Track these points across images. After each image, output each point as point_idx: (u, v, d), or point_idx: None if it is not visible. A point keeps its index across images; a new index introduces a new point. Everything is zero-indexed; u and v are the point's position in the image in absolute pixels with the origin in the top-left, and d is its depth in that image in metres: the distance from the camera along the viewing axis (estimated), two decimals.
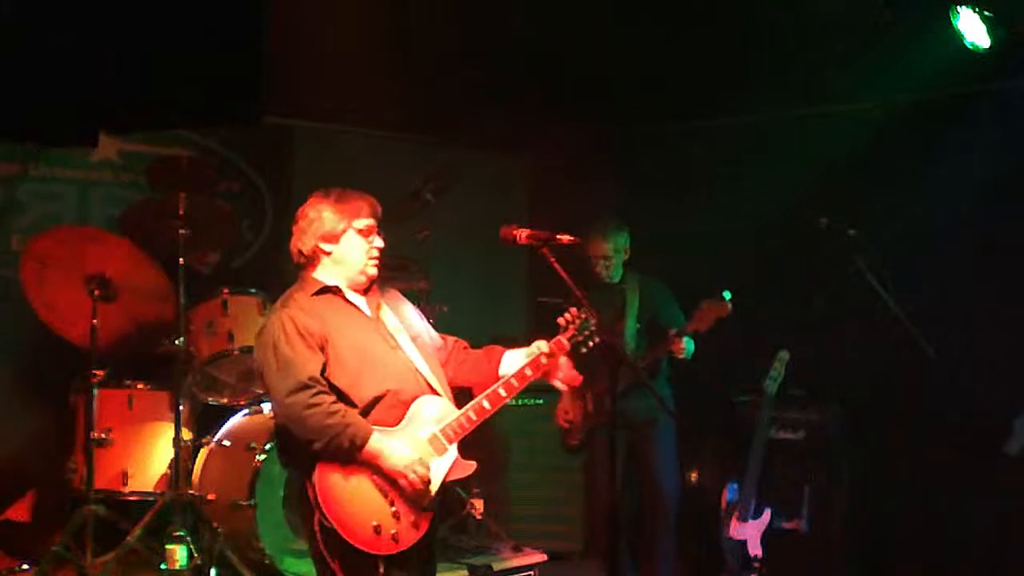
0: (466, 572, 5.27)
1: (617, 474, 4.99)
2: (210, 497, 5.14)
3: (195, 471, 5.29)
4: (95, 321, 5.07)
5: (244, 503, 4.98)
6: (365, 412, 3.48)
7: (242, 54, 3.33)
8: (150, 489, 5.29)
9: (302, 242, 3.65)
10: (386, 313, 3.72)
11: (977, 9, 5.06)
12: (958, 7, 5.07)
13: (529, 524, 6.03)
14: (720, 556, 5.46)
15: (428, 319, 4.15)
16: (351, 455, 3.40)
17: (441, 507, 3.63)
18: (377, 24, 5.87)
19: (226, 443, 5.30)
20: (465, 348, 3.89)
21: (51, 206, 6.12)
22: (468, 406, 3.62)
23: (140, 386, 5.38)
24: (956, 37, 5.12)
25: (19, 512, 5.67)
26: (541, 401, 5.88)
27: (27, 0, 3.09)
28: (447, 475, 3.55)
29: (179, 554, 4.92)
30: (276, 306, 3.62)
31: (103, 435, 5.18)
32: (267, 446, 5.07)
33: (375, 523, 3.39)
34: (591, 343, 3.68)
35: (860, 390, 5.65)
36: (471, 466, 3.61)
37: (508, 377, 3.65)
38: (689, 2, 5.94)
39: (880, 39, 5.49)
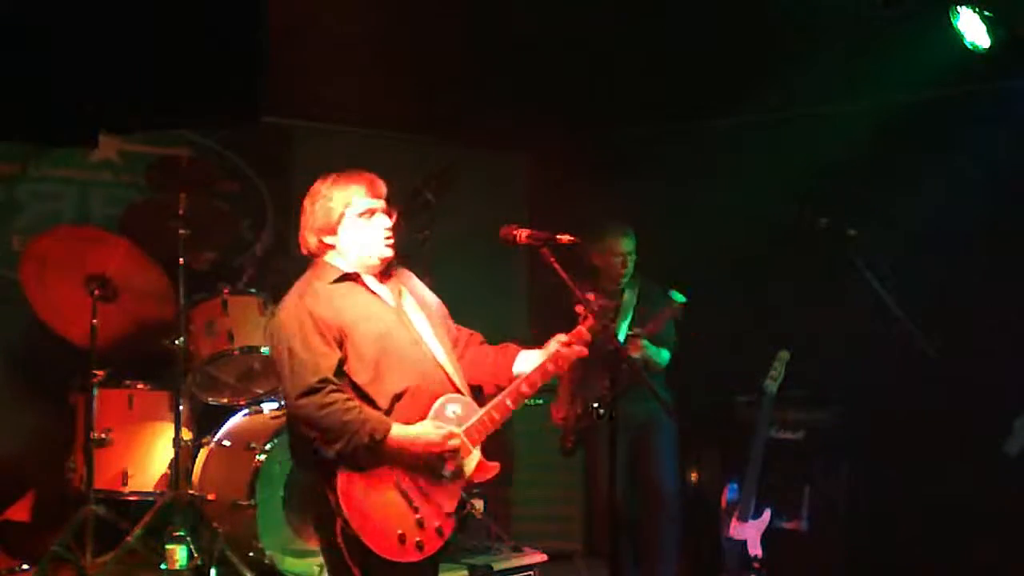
0: (466, 572, 5.27)
1: (616, 475, 4.98)
2: (210, 497, 5.14)
3: (195, 471, 5.28)
4: (95, 321, 5.07)
5: (244, 503, 4.98)
6: (388, 410, 3.36)
7: (242, 54, 3.33)
8: (150, 489, 5.29)
9: (305, 238, 3.52)
10: (407, 301, 3.57)
11: (977, 9, 5.06)
12: (958, 7, 5.06)
13: (529, 524, 6.03)
14: (720, 556, 5.46)
15: None
16: (374, 451, 3.27)
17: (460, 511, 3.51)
18: (377, 24, 5.87)
19: (226, 443, 5.30)
20: (482, 343, 3.75)
21: (51, 206, 6.12)
22: (490, 405, 3.50)
23: (140, 386, 5.38)
24: (956, 37, 5.12)
25: (19, 512, 5.67)
26: (541, 401, 5.87)
27: (27, 0, 3.09)
28: (471, 477, 3.47)
29: (179, 554, 4.92)
30: (292, 294, 3.44)
31: (103, 435, 5.18)
32: (267, 446, 5.07)
33: (400, 531, 3.28)
34: (609, 332, 3.59)
35: (860, 390, 5.65)
36: (494, 467, 3.51)
37: (529, 373, 3.51)
38: (689, 2, 5.94)
39: (880, 39, 5.49)
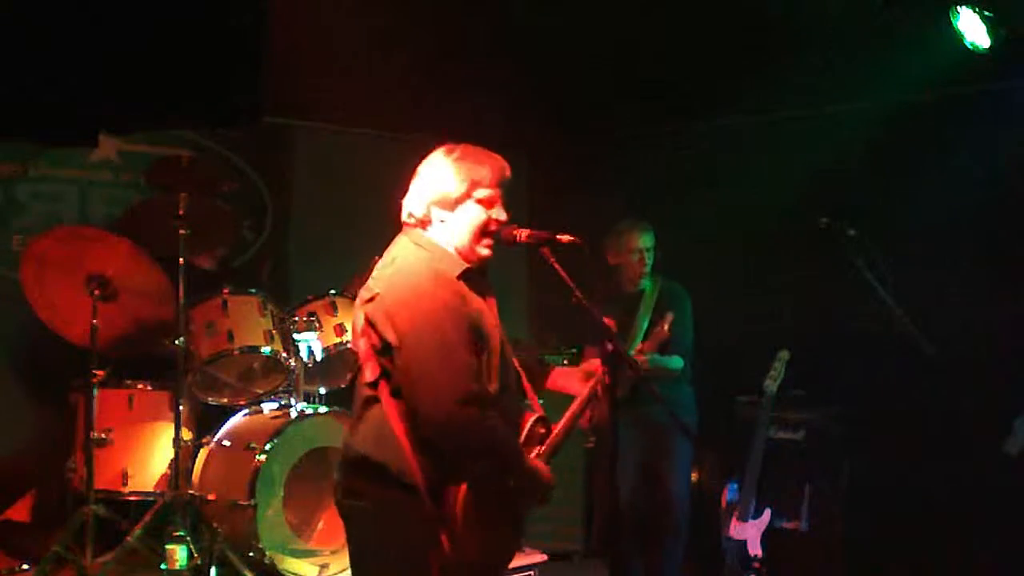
0: None
1: (625, 473, 4.95)
2: (210, 497, 5.14)
3: (195, 471, 5.29)
4: (95, 321, 5.07)
5: (244, 503, 4.98)
6: None
7: (242, 54, 3.33)
8: (150, 489, 5.29)
9: (413, 202, 3.15)
10: (493, 305, 3.25)
11: (977, 9, 5.06)
12: (958, 7, 5.06)
13: (529, 524, 5.99)
14: (720, 556, 5.46)
15: None
16: (499, 478, 3.03)
17: None
18: (377, 24, 5.88)
19: (226, 443, 5.30)
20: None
21: (51, 206, 6.12)
22: (557, 431, 3.28)
23: (140, 386, 5.38)
24: (956, 37, 5.12)
25: (19, 512, 5.67)
26: (542, 401, 5.86)
27: (28, 0, 3.09)
28: None
29: (179, 554, 4.92)
30: (424, 278, 3.02)
31: (103, 435, 5.18)
32: (267, 446, 5.07)
33: (490, 561, 3.11)
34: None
35: (860, 390, 5.65)
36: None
37: (577, 403, 3.35)
38: (689, 2, 5.94)
39: (880, 39, 5.49)
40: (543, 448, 3.23)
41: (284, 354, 5.43)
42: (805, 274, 5.91)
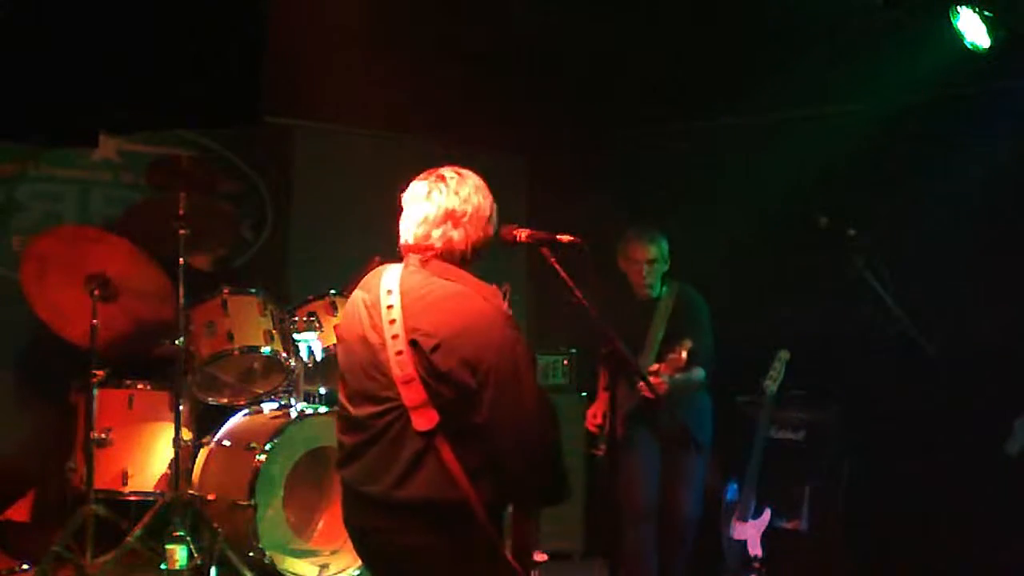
0: None
1: (637, 486, 4.94)
2: (210, 497, 5.14)
3: (195, 471, 5.29)
4: (95, 321, 5.07)
5: (244, 503, 4.98)
6: None
7: (242, 54, 3.33)
8: (150, 489, 5.30)
9: (478, 236, 3.12)
10: None
11: (977, 9, 5.06)
12: (958, 7, 5.06)
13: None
14: (720, 556, 5.46)
15: None
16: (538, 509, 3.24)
17: None
18: (377, 24, 5.87)
19: (226, 443, 5.31)
20: None
21: (51, 206, 6.12)
22: None
23: (140, 386, 5.38)
24: (956, 37, 5.12)
25: (19, 512, 5.67)
26: None
27: (27, 0, 3.09)
28: None
29: (179, 554, 4.92)
30: (486, 312, 2.99)
31: (103, 435, 5.19)
32: (267, 446, 5.07)
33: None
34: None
35: (860, 390, 5.64)
36: None
37: None
38: (689, 2, 5.94)
39: (880, 39, 5.49)
40: None
41: (284, 354, 5.43)
42: (805, 274, 5.90)
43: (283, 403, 5.50)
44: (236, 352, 5.37)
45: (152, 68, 3.25)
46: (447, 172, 3.18)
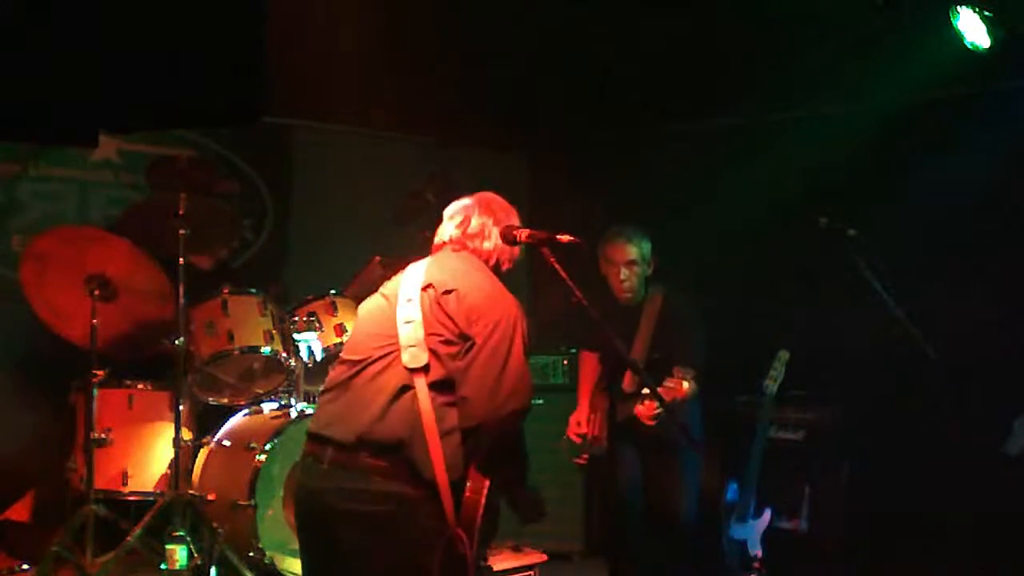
0: None
1: (626, 486, 4.91)
2: (210, 497, 5.14)
3: (195, 471, 5.29)
4: (95, 321, 5.07)
5: (244, 503, 4.98)
6: None
7: (241, 54, 3.33)
8: (150, 489, 5.29)
9: (500, 247, 3.42)
10: None
11: (977, 9, 5.06)
12: (958, 7, 5.06)
13: (529, 524, 6.01)
14: (720, 556, 5.46)
15: None
16: (511, 488, 3.29)
17: None
18: (377, 24, 5.88)
19: (226, 443, 5.31)
20: None
21: (51, 206, 6.12)
22: None
23: (140, 386, 5.38)
24: (956, 37, 5.12)
25: (19, 512, 5.67)
26: (541, 401, 5.86)
27: (27, 0, 3.09)
28: None
29: (179, 554, 4.92)
30: (499, 291, 3.25)
31: (103, 435, 5.18)
32: (267, 446, 5.07)
33: (483, 562, 3.27)
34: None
35: (860, 390, 5.65)
36: None
37: None
38: (689, 2, 5.94)
39: (880, 39, 5.49)
40: None
41: (284, 354, 5.43)
42: (805, 274, 5.90)
43: (283, 403, 5.50)
44: (236, 352, 5.37)
45: (152, 68, 3.25)
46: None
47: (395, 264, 5.65)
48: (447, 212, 3.53)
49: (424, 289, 3.20)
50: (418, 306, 3.17)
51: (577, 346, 5.69)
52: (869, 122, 5.91)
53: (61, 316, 5.23)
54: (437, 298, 3.16)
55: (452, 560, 3.02)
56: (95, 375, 5.12)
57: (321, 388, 3.35)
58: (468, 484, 3.09)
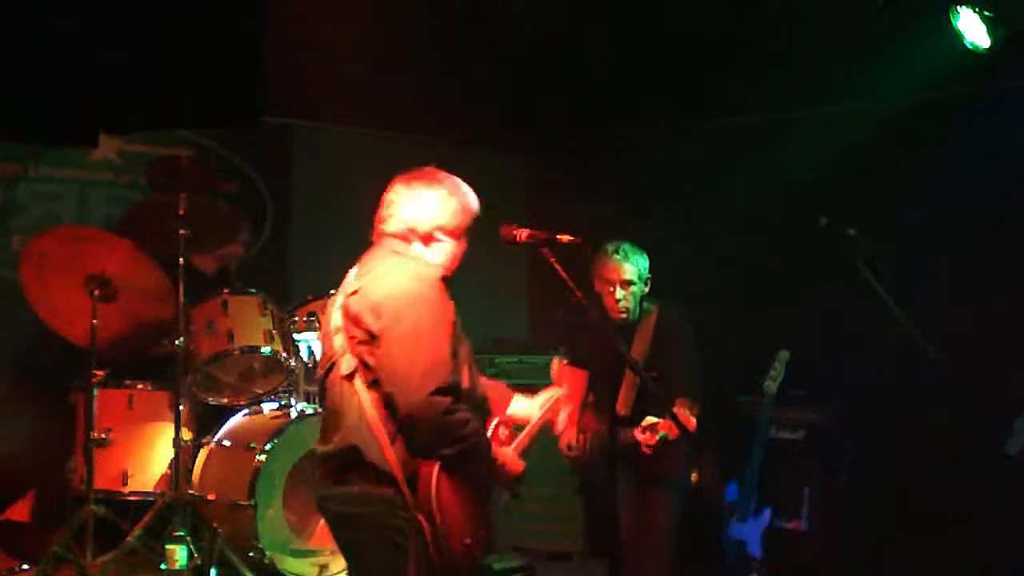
0: None
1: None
2: (210, 497, 5.14)
3: (195, 471, 5.29)
4: (95, 321, 5.07)
5: (244, 503, 4.98)
6: None
7: (242, 54, 3.33)
8: (150, 489, 5.29)
9: (417, 218, 3.31)
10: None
11: (977, 9, 5.05)
12: (958, 7, 5.06)
13: (529, 524, 6.02)
14: (720, 556, 5.46)
15: None
16: (467, 466, 3.20)
17: None
18: (377, 24, 5.88)
19: (226, 443, 5.31)
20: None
21: (51, 206, 6.13)
22: (522, 436, 3.62)
23: (140, 386, 5.38)
24: (956, 37, 5.12)
25: (19, 512, 5.67)
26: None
27: (27, 0, 3.09)
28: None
29: (179, 554, 4.92)
30: (410, 274, 3.21)
31: (103, 435, 5.18)
32: (267, 446, 5.07)
33: (467, 540, 3.21)
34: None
35: (860, 390, 5.65)
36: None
37: (531, 426, 3.64)
38: (690, 3, 5.94)
39: (880, 39, 5.49)
40: (521, 441, 3.52)
41: (284, 354, 5.43)
42: (805, 274, 5.90)
43: (283, 403, 5.50)
44: (236, 352, 5.37)
45: (152, 68, 3.25)
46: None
47: None
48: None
49: (349, 295, 3.28)
50: (339, 312, 3.28)
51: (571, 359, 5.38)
52: (869, 122, 5.91)
53: (61, 316, 5.23)
54: (346, 302, 3.26)
55: (422, 548, 3.12)
56: (95, 375, 5.13)
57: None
58: (420, 471, 3.15)
